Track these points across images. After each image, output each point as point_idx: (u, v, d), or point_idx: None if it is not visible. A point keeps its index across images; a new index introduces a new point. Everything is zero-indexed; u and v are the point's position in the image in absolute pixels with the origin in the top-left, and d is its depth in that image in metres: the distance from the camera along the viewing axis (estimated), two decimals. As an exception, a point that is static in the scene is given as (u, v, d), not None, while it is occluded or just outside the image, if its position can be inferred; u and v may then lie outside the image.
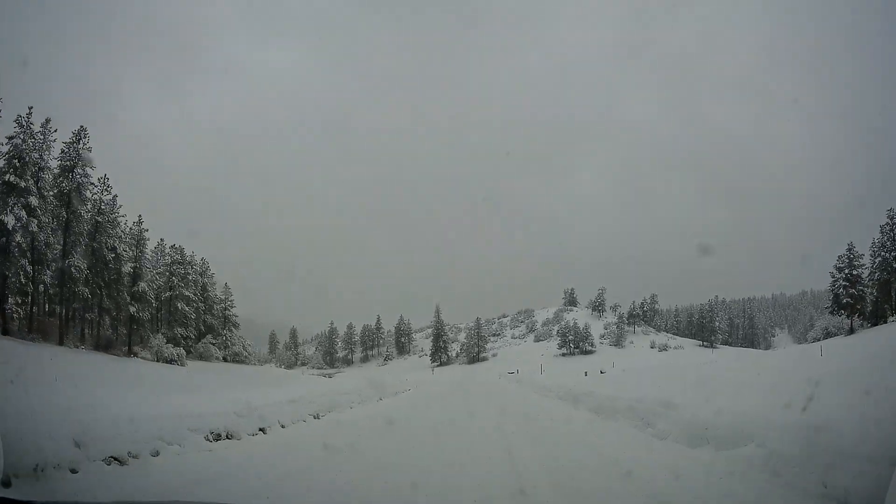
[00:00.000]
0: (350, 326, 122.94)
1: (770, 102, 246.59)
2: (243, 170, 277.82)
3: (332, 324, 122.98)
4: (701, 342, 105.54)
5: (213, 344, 58.18)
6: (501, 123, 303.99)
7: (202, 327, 61.31)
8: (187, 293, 55.99)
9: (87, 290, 37.41)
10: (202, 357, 57.42)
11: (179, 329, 53.84)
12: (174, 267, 55.66)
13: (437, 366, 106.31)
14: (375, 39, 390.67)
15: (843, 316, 47.61)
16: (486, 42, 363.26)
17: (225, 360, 61.41)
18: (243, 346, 60.79)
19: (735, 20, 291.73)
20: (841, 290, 44.33)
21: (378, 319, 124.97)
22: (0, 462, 3.76)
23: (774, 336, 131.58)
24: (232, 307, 71.54)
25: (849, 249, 51.70)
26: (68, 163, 38.61)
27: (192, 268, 61.87)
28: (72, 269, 36.00)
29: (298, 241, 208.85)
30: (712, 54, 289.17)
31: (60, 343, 36.56)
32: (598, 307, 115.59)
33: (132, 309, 45.84)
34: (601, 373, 38.43)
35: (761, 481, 5.38)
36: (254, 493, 5.72)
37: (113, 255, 42.91)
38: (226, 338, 61.44)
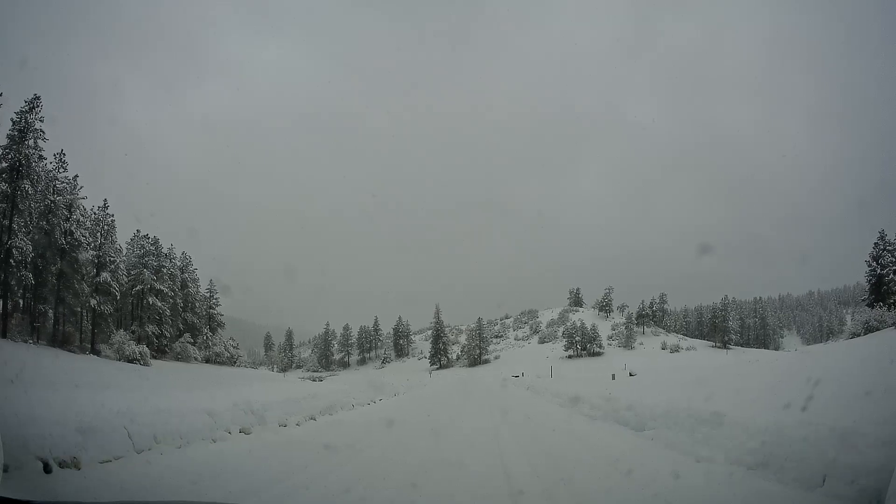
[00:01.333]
0: (346, 328, 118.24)
1: (774, 101, 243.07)
2: (243, 170, 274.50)
3: (327, 325, 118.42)
4: (713, 343, 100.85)
5: (192, 343, 53.52)
6: (503, 122, 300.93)
7: (181, 325, 56.73)
8: (161, 288, 51.37)
9: (31, 276, 32.80)
10: (179, 357, 52.78)
11: (151, 326, 49.17)
12: (146, 259, 51.09)
13: (437, 368, 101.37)
14: (375, 39, 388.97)
15: (885, 308, 42.85)
16: (486, 41, 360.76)
17: (207, 361, 56.70)
18: (225, 346, 56.01)
19: (739, 19, 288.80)
20: (891, 274, 39.55)
21: (376, 321, 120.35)
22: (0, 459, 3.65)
23: (783, 337, 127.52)
24: (217, 305, 67.02)
25: (882, 237, 47.26)
26: (15, 132, 34.31)
27: (170, 261, 57.39)
28: (13, 250, 31.49)
29: (298, 242, 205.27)
30: (716, 53, 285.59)
31: (3, 335, 32.09)
32: (604, 307, 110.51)
33: (93, 301, 41.33)
34: (630, 375, 32.98)
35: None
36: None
37: (69, 240, 38.46)
38: (206, 337, 56.76)
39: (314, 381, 59.27)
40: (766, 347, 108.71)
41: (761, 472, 5.49)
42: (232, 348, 57.50)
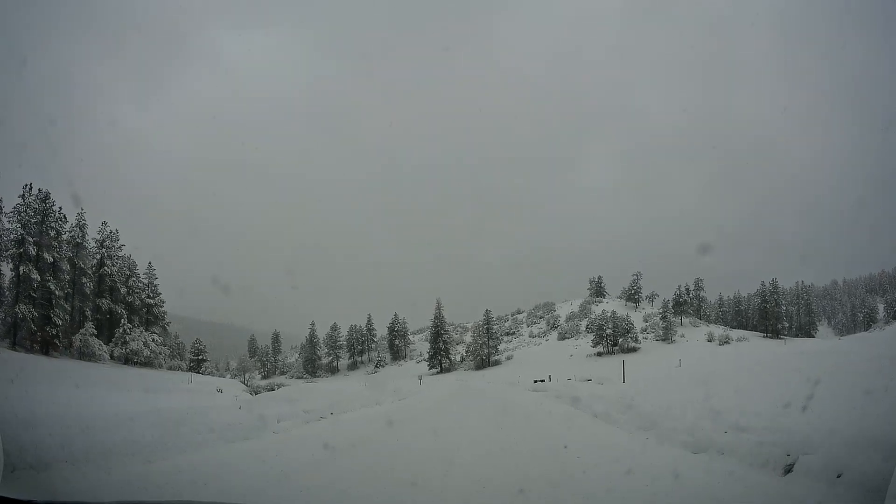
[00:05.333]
0: (334, 327, 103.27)
1: (788, 88, 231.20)
2: (235, 166, 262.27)
3: (312, 325, 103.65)
4: (764, 333, 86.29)
5: (96, 336, 38.95)
6: (508, 115, 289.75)
7: (88, 312, 42.29)
8: (48, 257, 36.88)
9: None
10: (82, 354, 38.32)
11: (24, 307, 34.58)
12: (27, 216, 36.68)
13: (437, 372, 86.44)
14: (370, 28, 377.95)
15: None
16: (490, 33, 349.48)
17: (127, 360, 41.98)
18: (145, 342, 41.07)
19: (752, 4, 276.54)
20: None
21: (369, 319, 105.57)
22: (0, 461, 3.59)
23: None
24: (157, 294, 52.65)
25: None
26: None
27: (80, 230, 43.07)
28: None
29: (293, 241, 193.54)
30: (728, 40, 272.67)
31: None
32: (633, 296, 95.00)
33: None
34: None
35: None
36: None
37: None
38: (124, 331, 42.08)
39: (254, 392, 43.88)
40: (811, 336, 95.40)
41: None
42: (155, 346, 42.58)
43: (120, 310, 44.98)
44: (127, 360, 40.87)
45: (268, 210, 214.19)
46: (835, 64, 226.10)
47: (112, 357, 40.99)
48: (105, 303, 44.22)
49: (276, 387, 49.73)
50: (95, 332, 38.69)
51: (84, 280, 41.96)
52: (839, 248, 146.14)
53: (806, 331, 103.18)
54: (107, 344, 41.86)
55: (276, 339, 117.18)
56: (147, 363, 40.57)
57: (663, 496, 5.06)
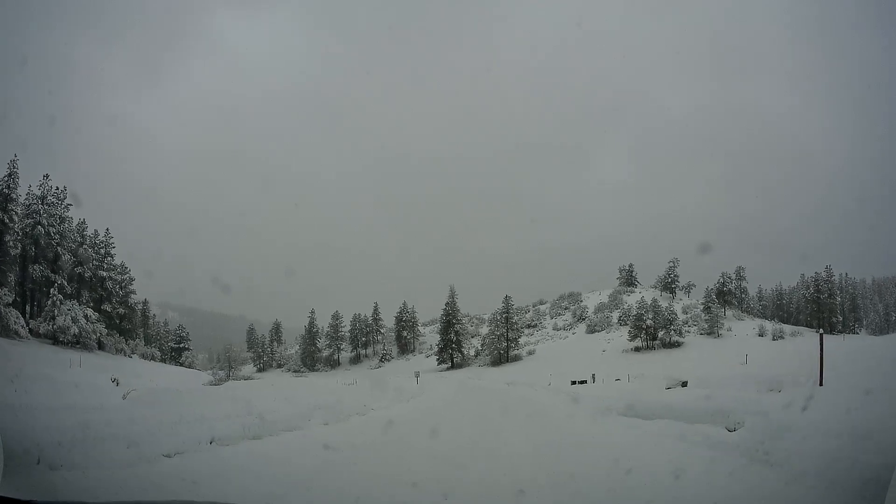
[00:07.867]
0: (336, 316, 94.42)
1: (806, 85, 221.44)
2: (241, 161, 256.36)
3: (312, 313, 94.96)
4: (816, 328, 75.94)
5: (15, 307, 30.21)
6: (517, 109, 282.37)
7: (12, 278, 33.64)
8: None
9: None
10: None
11: None
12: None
13: (448, 368, 77.17)
14: (373, 20, 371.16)
15: None
16: (495, 25, 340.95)
17: (55, 339, 33.14)
18: (74, 318, 31.92)
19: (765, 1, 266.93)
20: None
21: (375, 308, 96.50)
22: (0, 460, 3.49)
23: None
24: (125, 271, 44.13)
25: None
26: None
27: (12, 181, 34.85)
28: None
29: (304, 236, 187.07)
30: (737, 37, 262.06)
31: None
32: (669, 286, 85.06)
33: None
34: None
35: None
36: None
37: None
38: (55, 301, 33.26)
39: (216, 384, 34.56)
40: (856, 333, 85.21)
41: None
42: (86, 322, 33.52)
43: (59, 279, 36.29)
44: (55, 338, 32.06)
45: (273, 202, 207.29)
46: (852, 61, 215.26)
47: (39, 333, 32.29)
48: (38, 269, 35.52)
49: (222, 381, 39.81)
50: (10, 301, 29.93)
51: (7, 239, 33.24)
52: (866, 245, 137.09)
53: (851, 327, 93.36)
54: (35, 318, 33.21)
55: (275, 329, 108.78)
56: (80, 343, 31.70)
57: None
